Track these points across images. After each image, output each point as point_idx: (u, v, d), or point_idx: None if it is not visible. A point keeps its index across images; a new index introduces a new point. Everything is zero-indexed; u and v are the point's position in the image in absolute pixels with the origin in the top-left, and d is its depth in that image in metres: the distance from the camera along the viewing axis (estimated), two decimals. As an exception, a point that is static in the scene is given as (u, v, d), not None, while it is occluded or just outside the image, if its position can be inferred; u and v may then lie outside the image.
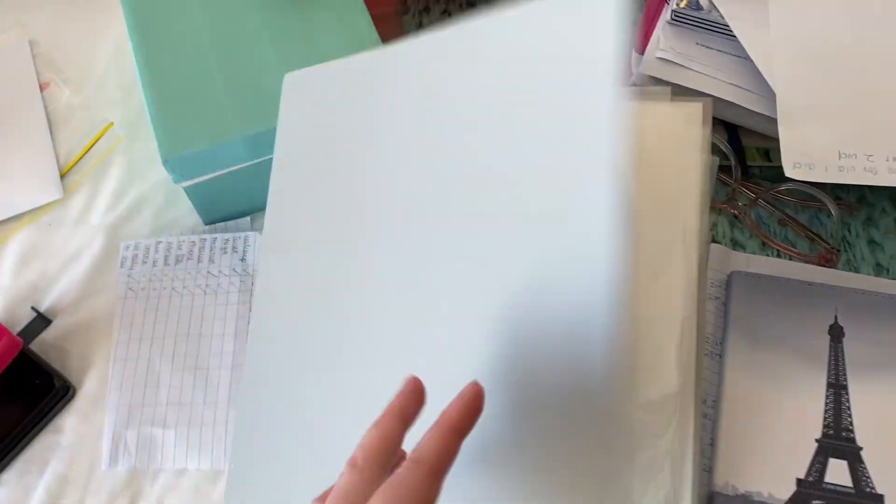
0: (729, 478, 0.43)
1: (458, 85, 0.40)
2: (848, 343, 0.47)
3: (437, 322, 0.38)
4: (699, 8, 0.50)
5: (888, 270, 0.51)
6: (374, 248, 0.40)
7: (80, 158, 0.59)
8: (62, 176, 0.58)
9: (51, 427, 0.49)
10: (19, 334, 0.51)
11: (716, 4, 0.49)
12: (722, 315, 0.49)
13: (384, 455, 0.29)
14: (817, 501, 0.42)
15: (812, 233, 0.53)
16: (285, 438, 0.40)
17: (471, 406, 0.30)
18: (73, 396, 0.50)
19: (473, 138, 0.39)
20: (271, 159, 0.50)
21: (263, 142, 0.50)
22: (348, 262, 0.41)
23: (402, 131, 0.41)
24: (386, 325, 0.39)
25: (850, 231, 0.53)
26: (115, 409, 0.49)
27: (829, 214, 0.52)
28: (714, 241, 0.52)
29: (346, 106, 0.44)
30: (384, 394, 0.33)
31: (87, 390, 0.50)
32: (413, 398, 0.31)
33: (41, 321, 0.52)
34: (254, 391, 0.41)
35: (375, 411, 0.32)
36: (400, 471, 0.28)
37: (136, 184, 0.57)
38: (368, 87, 0.43)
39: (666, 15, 0.51)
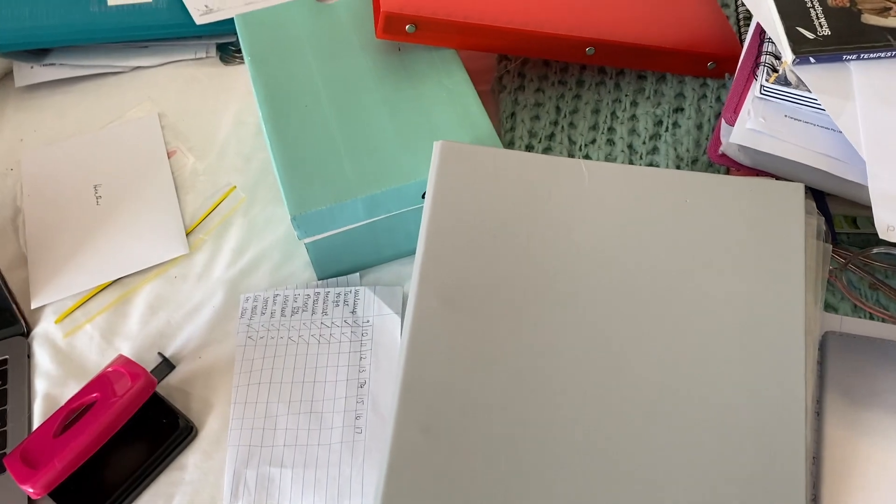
0: (834, 532, 0.44)
1: (643, 217, 0.51)
2: (948, 403, 0.48)
3: (613, 403, 0.45)
4: (787, 83, 0.53)
5: (984, 334, 0.52)
6: (554, 323, 0.47)
7: (205, 218, 0.64)
8: (188, 234, 0.63)
9: (175, 464, 0.52)
10: (149, 377, 0.55)
11: (802, 79, 0.52)
12: (818, 374, 0.50)
13: None
14: (926, 558, 0.43)
15: (904, 296, 0.54)
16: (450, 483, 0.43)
17: None
18: (195, 436, 0.53)
19: (662, 259, 0.49)
20: (383, 219, 0.55)
21: (379, 203, 0.54)
22: (526, 329, 0.47)
23: (584, 238, 0.50)
24: (565, 394, 0.45)
25: (942, 295, 0.54)
26: (235, 448, 0.52)
27: (921, 279, 0.54)
28: (806, 302, 0.54)
29: (513, 192, 0.51)
30: (558, 458, 0.43)
31: (208, 431, 0.53)
32: None
33: (166, 366, 0.56)
34: (409, 435, 0.44)
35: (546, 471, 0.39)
36: None
37: (254, 242, 0.62)
38: (536, 183, 0.51)
39: (755, 90, 0.55)
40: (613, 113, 0.66)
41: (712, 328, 0.47)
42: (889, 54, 0.53)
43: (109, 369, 0.53)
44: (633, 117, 0.65)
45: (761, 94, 0.54)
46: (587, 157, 0.64)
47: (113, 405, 0.50)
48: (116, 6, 0.75)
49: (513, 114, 0.66)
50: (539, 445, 0.44)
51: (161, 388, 0.55)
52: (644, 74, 0.68)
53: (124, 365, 0.53)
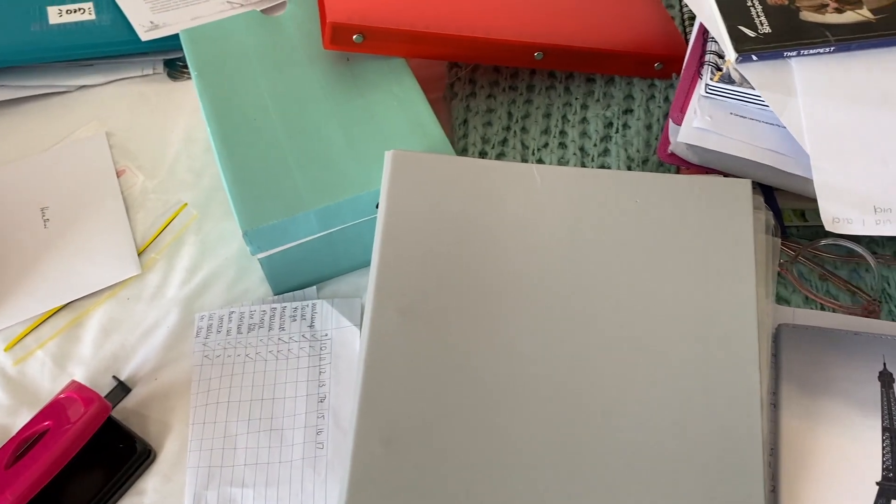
0: (794, 522, 0.45)
1: (594, 218, 0.51)
2: (898, 389, 0.49)
3: (578, 402, 0.45)
4: (731, 81, 0.54)
5: (930, 319, 0.53)
6: (512, 328, 0.47)
7: (156, 237, 0.63)
8: (139, 254, 0.62)
9: (134, 489, 0.51)
10: (103, 401, 0.54)
11: (746, 77, 0.53)
12: (773, 366, 0.51)
13: None
14: (883, 543, 0.43)
15: (852, 286, 0.55)
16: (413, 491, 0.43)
17: None
18: (154, 459, 0.52)
19: (615, 259, 0.49)
20: (337, 231, 0.55)
21: (333, 214, 0.54)
22: (484, 335, 0.47)
23: (538, 242, 0.50)
24: (526, 398, 0.45)
25: (889, 283, 0.55)
26: (195, 470, 0.51)
27: (868, 268, 0.55)
28: (759, 296, 0.55)
29: (465, 199, 0.51)
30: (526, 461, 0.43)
31: (167, 453, 0.52)
32: None
33: (122, 389, 0.55)
34: (369, 448, 0.44)
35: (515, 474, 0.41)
36: None
37: (208, 259, 0.61)
38: (489, 189, 0.52)
39: (700, 89, 0.55)
40: (564, 116, 0.66)
41: (666, 326, 0.47)
42: (827, 50, 0.54)
43: (62, 396, 0.51)
44: (584, 120, 0.66)
45: (706, 92, 0.55)
46: (540, 161, 0.64)
47: (66, 432, 0.49)
48: (58, 25, 0.74)
49: (465, 120, 0.67)
50: (501, 451, 0.44)
51: (117, 412, 0.54)
52: (593, 77, 0.69)
53: (77, 391, 0.51)
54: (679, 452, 0.44)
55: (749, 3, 0.57)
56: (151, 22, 0.74)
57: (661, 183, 0.52)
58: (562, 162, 0.64)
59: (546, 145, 0.65)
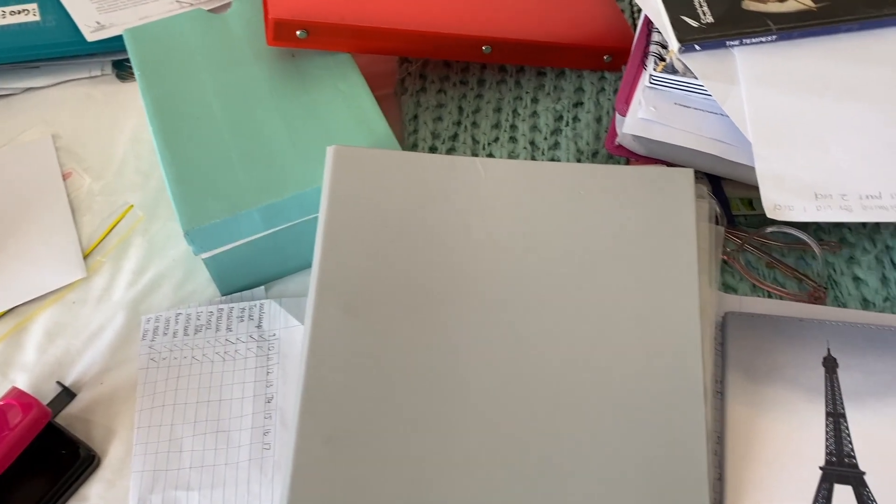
0: (739, 509, 0.45)
1: (539, 210, 0.51)
2: (842, 373, 0.49)
3: (521, 394, 0.45)
4: (674, 71, 0.54)
5: (874, 304, 0.53)
6: (455, 322, 0.47)
7: (102, 240, 0.62)
8: (85, 257, 0.61)
9: (78, 495, 0.50)
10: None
11: (689, 67, 0.53)
12: (720, 354, 0.51)
13: None
14: (826, 527, 0.44)
15: (799, 273, 0.55)
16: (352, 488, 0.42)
17: None
18: (98, 465, 0.51)
19: (559, 251, 0.49)
20: (284, 229, 0.54)
21: (277, 212, 0.53)
22: (427, 330, 0.47)
23: (482, 235, 0.50)
24: (469, 391, 0.45)
25: (834, 270, 0.55)
26: (139, 475, 0.50)
27: (814, 255, 0.55)
28: (707, 285, 0.55)
29: (409, 193, 0.50)
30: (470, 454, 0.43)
31: (111, 459, 0.51)
32: None
33: (66, 395, 0.54)
34: (311, 445, 0.43)
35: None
36: None
37: (155, 261, 0.60)
38: (432, 183, 0.51)
39: (645, 80, 0.55)
40: (515, 111, 0.66)
41: (611, 315, 0.47)
42: (769, 39, 0.55)
43: (1, 403, 0.50)
44: (535, 114, 0.66)
45: (651, 83, 0.55)
46: (491, 155, 0.64)
47: (4, 439, 0.48)
48: (2, 26, 0.72)
49: (415, 116, 0.66)
50: (442, 448, 0.44)
51: (61, 418, 0.53)
52: (544, 71, 0.69)
53: (16, 397, 0.50)
54: (623, 442, 0.44)
55: (691, -6, 0.57)
56: (98, 22, 0.73)
57: (604, 174, 0.52)
58: (512, 156, 0.63)
59: (496, 139, 0.65)
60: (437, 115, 0.66)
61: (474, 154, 0.64)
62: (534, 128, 0.65)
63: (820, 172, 0.50)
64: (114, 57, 0.75)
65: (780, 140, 0.51)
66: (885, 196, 0.50)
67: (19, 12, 0.74)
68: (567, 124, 0.65)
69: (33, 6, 0.74)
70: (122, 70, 0.74)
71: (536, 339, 0.46)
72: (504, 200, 0.51)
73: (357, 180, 0.50)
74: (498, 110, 0.66)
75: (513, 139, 0.65)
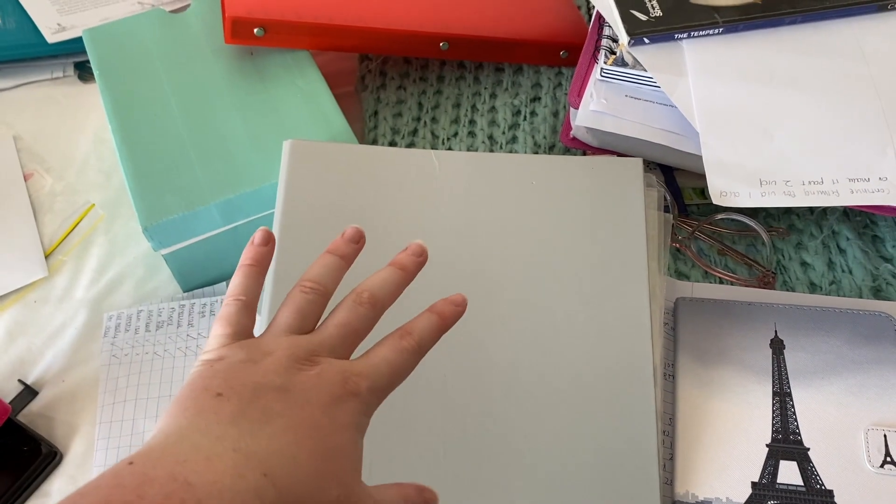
0: (689, 487, 0.46)
1: (493, 201, 0.52)
2: (789, 354, 0.50)
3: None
4: (624, 64, 0.56)
5: (821, 287, 0.55)
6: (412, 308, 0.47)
7: (64, 239, 0.62)
8: (46, 256, 0.61)
9: (39, 492, 0.50)
10: (7, 405, 0.53)
11: (638, 59, 0.55)
12: (671, 339, 0.52)
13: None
14: (772, 502, 0.45)
15: (749, 259, 0.57)
16: None
17: (457, 309, 0.37)
18: (60, 461, 0.51)
19: (511, 240, 0.50)
20: (243, 224, 0.55)
21: (236, 207, 0.53)
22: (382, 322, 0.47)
23: (437, 226, 0.51)
24: (423, 382, 0.46)
25: (783, 255, 0.57)
26: (102, 469, 0.50)
27: (763, 242, 0.57)
28: (660, 272, 0.56)
29: (364, 186, 0.51)
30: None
31: (74, 455, 0.52)
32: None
33: (28, 393, 0.54)
34: None
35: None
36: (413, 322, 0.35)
37: (116, 259, 0.61)
38: (387, 176, 0.52)
39: (596, 73, 0.57)
40: (474, 106, 0.67)
41: (562, 301, 0.48)
42: (716, 31, 0.56)
43: (-39, 401, 0.51)
44: (493, 109, 0.67)
45: (602, 76, 0.56)
46: (450, 149, 0.65)
47: (-37, 437, 0.48)
48: (-39, 29, 0.72)
49: (375, 112, 0.67)
50: (398, 438, 0.44)
51: (23, 416, 0.53)
52: (502, 67, 0.70)
53: (-24, 395, 0.50)
54: (575, 424, 0.45)
55: (641, -11, 0.58)
56: (58, 24, 0.73)
57: (556, 164, 0.53)
58: (471, 150, 0.64)
59: (456, 134, 0.66)
60: (397, 111, 0.67)
61: (434, 148, 0.65)
62: (492, 122, 0.66)
63: (764, 159, 0.52)
64: (75, 59, 0.75)
65: (725, 129, 0.53)
66: (827, 181, 0.51)
67: (-21, 15, 0.74)
68: (525, 119, 0.66)
69: (-7, 8, 0.74)
70: (85, 71, 0.74)
71: (489, 325, 0.47)
72: (458, 191, 0.52)
73: (313, 174, 0.51)
74: (457, 106, 0.67)
75: (472, 134, 0.66)
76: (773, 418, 0.48)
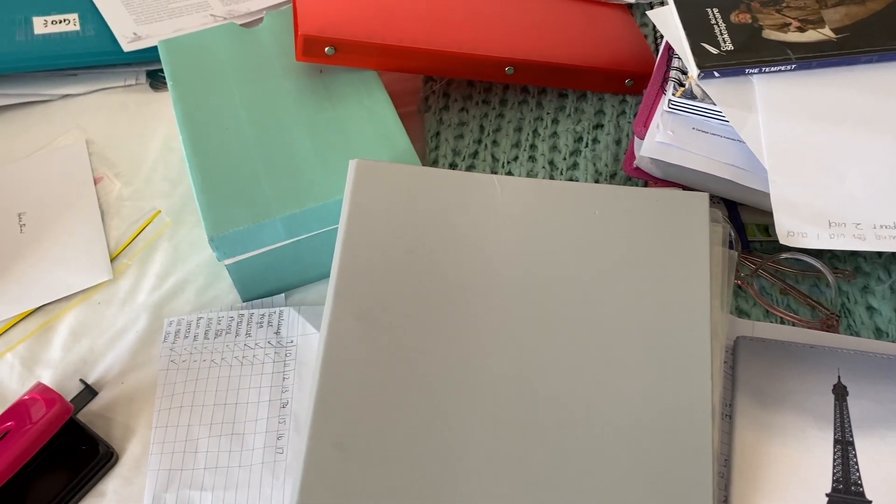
0: (743, 532, 0.45)
1: (554, 229, 0.52)
2: (852, 402, 0.49)
3: (535, 407, 0.46)
4: (693, 97, 0.55)
5: (887, 334, 0.54)
6: (468, 337, 0.48)
7: (129, 244, 0.64)
8: (112, 259, 0.63)
9: (95, 491, 0.51)
10: (68, 404, 0.54)
11: (707, 92, 0.54)
12: (730, 378, 0.51)
13: None
14: (830, 553, 0.44)
15: (812, 300, 0.56)
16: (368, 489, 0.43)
17: None
18: (116, 462, 0.53)
19: (572, 269, 0.50)
20: (306, 239, 0.55)
21: (299, 222, 0.54)
22: (440, 344, 0.48)
23: (497, 251, 0.51)
24: (479, 407, 0.46)
25: (848, 298, 0.56)
26: (155, 473, 0.51)
27: (828, 283, 0.55)
28: (719, 309, 0.55)
29: (427, 208, 0.52)
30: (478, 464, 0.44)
31: (129, 456, 0.53)
32: None
33: (88, 392, 0.56)
34: (322, 451, 0.44)
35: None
36: None
37: (179, 266, 0.62)
38: (450, 199, 0.52)
39: (664, 104, 0.56)
40: (535, 131, 0.67)
41: (622, 334, 0.48)
42: (788, 67, 0.55)
43: (26, 397, 0.52)
44: (555, 134, 0.67)
45: (669, 107, 0.56)
46: (510, 173, 0.65)
47: (27, 433, 0.49)
48: (43, 35, 0.75)
49: (437, 133, 0.68)
50: (452, 457, 0.44)
51: (83, 415, 0.55)
52: (565, 93, 0.70)
53: (41, 392, 0.52)
54: (630, 460, 0.44)
55: (713, 21, 0.58)
56: (135, 33, 0.76)
57: (620, 195, 0.53)
58: (531, 175, 0.64)
59: (516, 158, 0.66)
60: (458, 133, 0.68)
61: (493, 172, 0.65)
62: (553, 148, 0.66)
63: (834, 201, 0.51)
64: (148, 67, 0.77)
65: (795, 167, 0.52)
66: (900, 226, 0.50)
67: (60, 22, 0.76)
68: (586, 146, 0.66)
69: (74, 16, 0.77)
70: (156, 80, 0.76)
71: (548, 354, 0.47)
72: (519, 217, 0.52)
73: (377, 193, 0.52)
74: (518, 130, 0.68)
75: (532, 158, 0.66)
76: (834, 467, 0.46)
